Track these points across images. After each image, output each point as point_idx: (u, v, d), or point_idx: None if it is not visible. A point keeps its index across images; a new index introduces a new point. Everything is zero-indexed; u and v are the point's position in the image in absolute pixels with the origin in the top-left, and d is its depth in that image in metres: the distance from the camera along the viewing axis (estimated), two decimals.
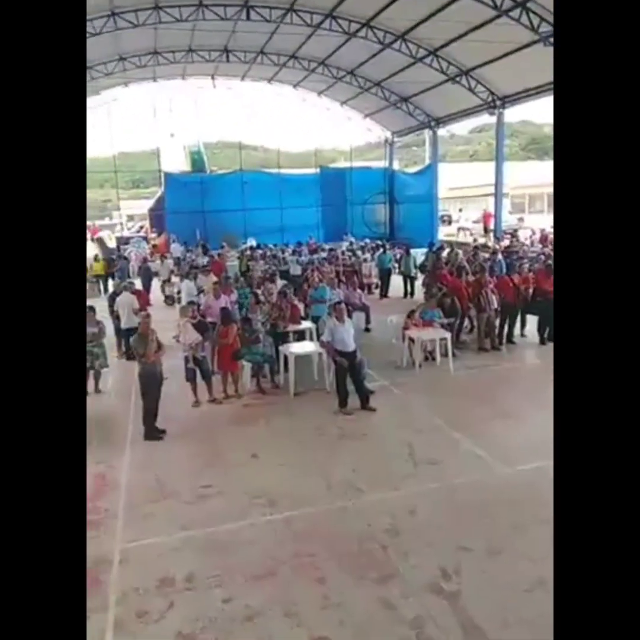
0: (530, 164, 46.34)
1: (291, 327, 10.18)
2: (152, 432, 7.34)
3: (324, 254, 20.16)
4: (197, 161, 31.20)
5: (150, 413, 7.37)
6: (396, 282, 17.67)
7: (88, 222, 37.01)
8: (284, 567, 4.61)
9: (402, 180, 31.03)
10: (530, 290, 11.33)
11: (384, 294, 17.33)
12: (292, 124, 32.45)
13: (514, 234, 24.33)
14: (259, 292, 11.71)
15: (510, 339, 11.31)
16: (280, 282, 13.32)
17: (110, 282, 17.88)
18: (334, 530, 5.12)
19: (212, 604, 4.21)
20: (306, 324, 10.57)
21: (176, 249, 23.76)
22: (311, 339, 10.11)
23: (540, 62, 15.27)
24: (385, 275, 17.57)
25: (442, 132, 29.94)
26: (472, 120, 31.65)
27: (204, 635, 3.92)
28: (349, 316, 9.05)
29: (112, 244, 26.66)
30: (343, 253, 20.10)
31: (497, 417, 7.58)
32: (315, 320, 10.49)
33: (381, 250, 19.65)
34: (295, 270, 17.55)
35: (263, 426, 7.74)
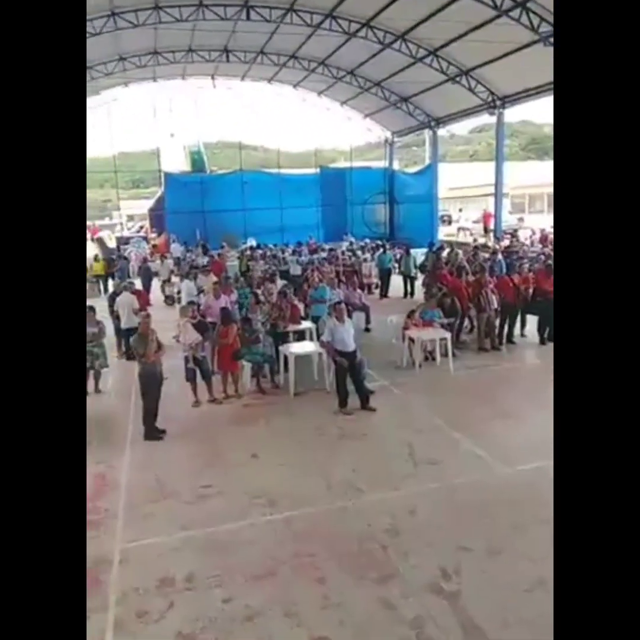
0: (530, 164, 46.35)
1: (291, 327, 10.18)
2: (152, 432, 7.34)
3: (324, 254, 20.16)
4: (197, 161, 31.20)
5: (150, 413, 7.37)
6: (396, 282, 17.67)
7: (88, 222, 37.03)
8: (284, 567, 4.61)
9: (402, 180, 31.03)
10: (530, 290, 11.33)
11: (384, 294, 17.33)
12: (292, 124, 32.49)
13: (514, 234, 24.34)
14: (259, 292, 11.71)
15: (510, 339, 11.31)
16: (280, 282, 13.33)
17: (110, 282, 17.88)
18: (334, 530, 5.13)
19: (212, 604, 4.21)
20: (306, 324, 10.57)
21: (176, 249, 23.77)
22: (311, 339, 10.11)
23: (540, 62, 15.27)
24: (385, 275, 17.57)
25: (442, 132, 29.93)
26: (472, 120, 31.65)
27: (204, 635, 3.92)
28: (349, 316, 9.05)
29: (112, 244, 26.67)
30: (343, 253, 20.11)
31: (497, 417, 7.58)
32: (315, 320, 10.49)
33: (381, 250, 19.65)
34: (295, 270, 17.55)
35: (263, 426, 7.74)
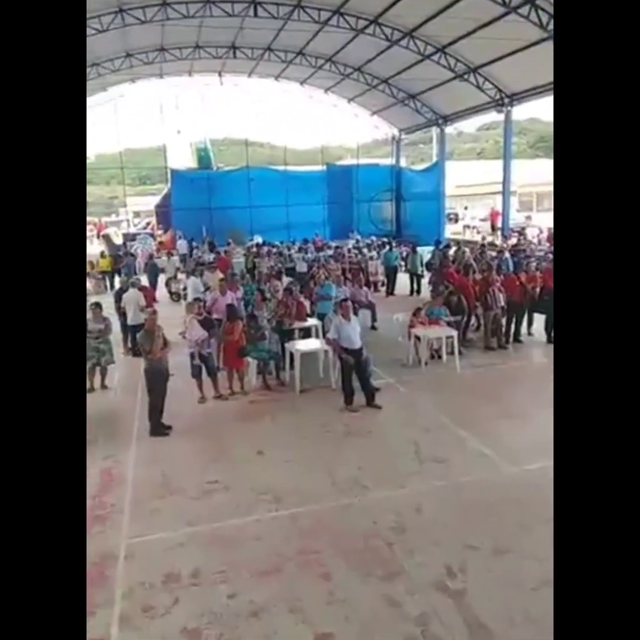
0: (538, 162, 46.07)
1: (297, 324, 10.18)
2: (158, 428, 7.36)
3: (330, 252, 20.15)
4: (203, 158, 31.19)
5: (156, 409, 7.39)
6: (402, 280, 17.65)
7: (95, 219, 37.23)
8: (289, 563, 4.61)
9: (409, 177, 30.98)
10: (538, 289, 11.28)
11: (390, 291, 17.31)
12: (299, 121, 32.39)
13: (521, 232, 24.23)
14: (265, 289, 11.71)
15: (517, 338, 11.27)
16: (286, 279, 13.33)
17: (117, 279, 17.93)
18: (339, 527, 5.12)
19: (217, 600, 4.22)
20: (312, 321, 10.57)
21: (182, 245, 23.81)
22: (317, 336, 10.11)
23: (549, 60, 14.86)
24: (391, 273, 17.54)
25: (449, 129, 29.85)
26: (480, 118, 31.41)
27: (209, 631, 3.93)
28: (355, 314, 9.04)
29: (118, 240, 26.71)
30: (349, 250, 20.08)
31: (503, 416, 7.56)
32: (321, 317, 10.48)
33: (387, 247, 19.62)
34: (302, 267, 17.55)
35: (269, 423, 7.75)
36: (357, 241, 24.23)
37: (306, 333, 10.38)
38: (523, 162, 40.92)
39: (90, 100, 25.79)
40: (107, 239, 26.10)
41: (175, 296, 17.09)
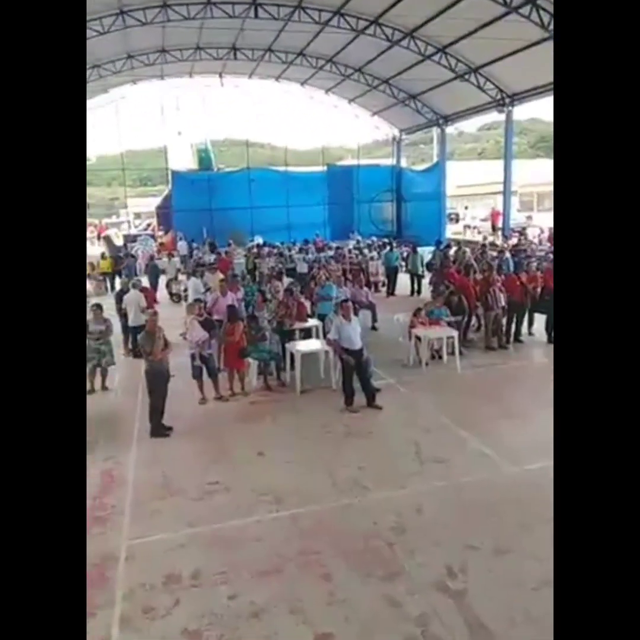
0: (539, 162, 46.03)
1: (298, 325, 10.18)
2: (159, 429, 7.36)
3: (330, 252, 20.17)
4: (204, 159, 31.21)
5: (157, 410, 7.39)
6: (403, 280, 17.64)
7: (95, 220, 37.26)
8: (289, 564, 4.61)
9: (409, 178, 30.97)
10: (539, 289, 11.27)
11: (390, 292, 17.31)
12: (300, 121, 32.40)
13: (522, 232, 24.22)
14: (266, 289, 11.72)
15: (517, 338, 11.26)
16: (286, 280, 13.33)
17: (117, 280, 17.94)
18: (340, 527, 5.12)
19: (218, 601, 4.22)
20: (313, 322, 10.57)
21: (182, 246, 23.83)
22: (317, 337, 10.11)
23: (550, 60, 14.96)
24: (392, 274, 17.55)
25: (450, 129, 29.85)
26: (481, 118, 31.41)
27: (209, 632, 3.93)
28: (356, 314, 9.04)
29: (119, 241, 26.75)
30: (350, 251, 20.10)
31: (504, 416, 7.56)
32: (322, 318, 10.48)
33: (388, 248, 19.62)
34: (302, 268, 17.56)
35: (269, 423, 7.75)
36: (358, 242, 24.23)
37: (307, 334, 10.38)
38: (524, 162, 40.91)
39: (91, 102, 25.84)
40: (107, 240, 26.14)
41: (176, 297, 17.10)
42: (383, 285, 17.77)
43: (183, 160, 31.72)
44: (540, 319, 11.46)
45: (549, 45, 16.02)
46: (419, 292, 16.79)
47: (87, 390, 8.93)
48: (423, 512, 5.34)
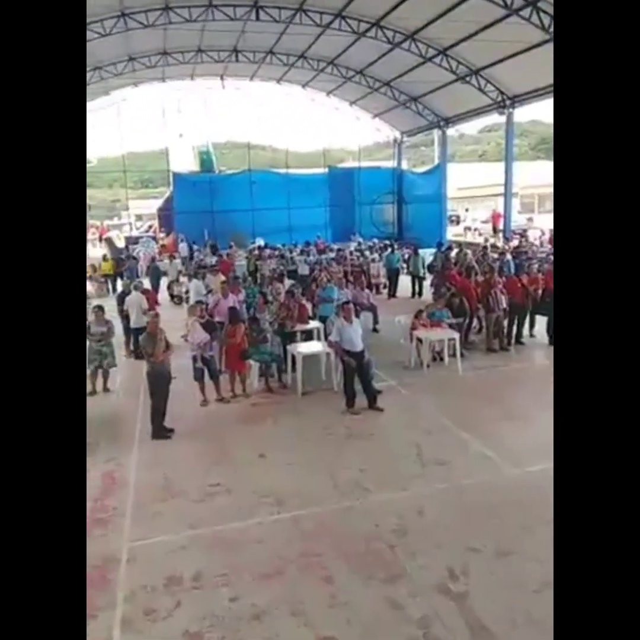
0: (539, 164, 46.03)
1: (299, 327, 10.18)
2: (160, 431, 7.36)
3: (332, 254, 20.17)
4: (205, 161, 31.27)
5: (158, 412, 7.39)
6: (404, 282, 17.65)
7: (97, 222, 37.31)
8: (291, 566, 4.61)
9: (410, 180, 30.98)
10: (540, 291, 11.27)
11: (392, 294, 17.31)
12: (301, 123, 32.53)
13: (523, 234, 24.23)
14: (267, 291, 11.72)
15: (519, 340, 11.26)
16: (288, 282, 13.34)
17: (119, 282, 17.95)
18: (341, 529, 5.12)
19: (219, 603, 4.22)
20: (314, 324, 10.57)
21: (183, 248, 23.86)
22: (319, 339, 10.11)
23: (550, 62, 15.02)
24: (393, 276, 17.55)
25: (451, 131, 29.85)
26: (482, 120, 31.48)
27: (210, 634, 3.93)
28: (357, 316, 9.03)
29: (120, 243, 26.78)
30: (351, 253, 20.11)
31: (505, 418, 7.55)
32: (323, 320, 10.49)
33: (389, 250, 19.64)
34: (303, 270, 17.57)
35: (271, 425, 7.75)
36: (359, 244, 24.25)
37: (308, 335, 10.38)
38: (525, 164, 40.91)
39: (92, 104, 25.88)
40: (109, 242, 26.18)
41: (177, 299, 17.12)
42: (384, 287, 17.77)
43: (184, 163, 31.80)
44: (541, 321, 11.46)
45: (550, 47, 16.02)
46: (420, 294, 16.79)
47: (89, 392, 8.94)
48: (424, 514, 5.33)
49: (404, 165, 32.66)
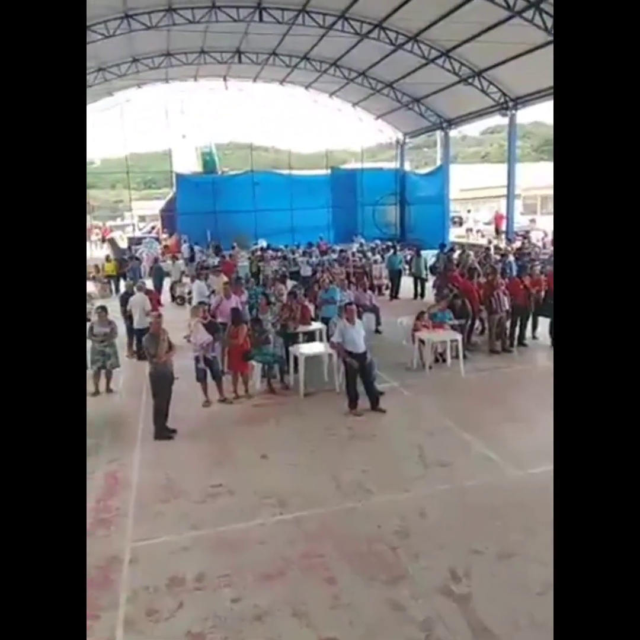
0: (542, 165, 45.92)
1: (301, 328, 10.18)
2: (163, 432, 7.37)
3: (334, 255, 20.16)
4: (208, 162, 31.32)
5: (161, 412, 7.40)
6: (407, 283, 17.64)
7: (100, 223, 37.37)
8: (293, 567, 4.61)
9: (413, 181, 31.00)
10: (542, 293, 11.26)
11: (394, 295, 17.32)
12: (304, 125, 32.56)
13: (525, 236, 24.21)
14: (270, 292, 11.73)
15: (521, 341, 11.26)
16: (290, 283, 13.34)
17: (122, 283, 17.98)
18: (343, 531, 5.12)
19: (221, 604, 4.22)
20: (316, 325, 10.57)
21: (185, 250, 23.88)
22: (321, 340, 10.11)
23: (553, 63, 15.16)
24: (395, 277, 17.55)
25: (453, 133, 29.87)
26: (484, 122, 31.55)
27: (213, 635, 3.93)
28: (359, 317, 9.04)
29: (123, 244, 26.83)
30: (353, 254, 20.10)
31: (508, 420, 7.55)
32: (326, 321, 10.49)
33: (391, 251, 19.62)
34: (306, 271, 17.57)
35: (273, 426, 7.75)
36: (362, 245, 24.24)
37: (310, 337, 10.38)
38: (527, 165, 40.85)
39: (96, 105, 25.97)
40: (112, 243, 26.22)
41: (180, 300, 17.15)
42: (386, 288, 17.77)
43: (187, 163, 31.85)
44: (543, 323, 11.44)
45: (552, 49, 16.03)
46: (422, 295, 16.78)
47: (92, 392, 8.97)
48: (427, 515, 5.33)
49: (407, 167, 32.68)
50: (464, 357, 9.87)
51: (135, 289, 11.44)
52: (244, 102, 29.47)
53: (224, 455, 6.84)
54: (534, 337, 11.62)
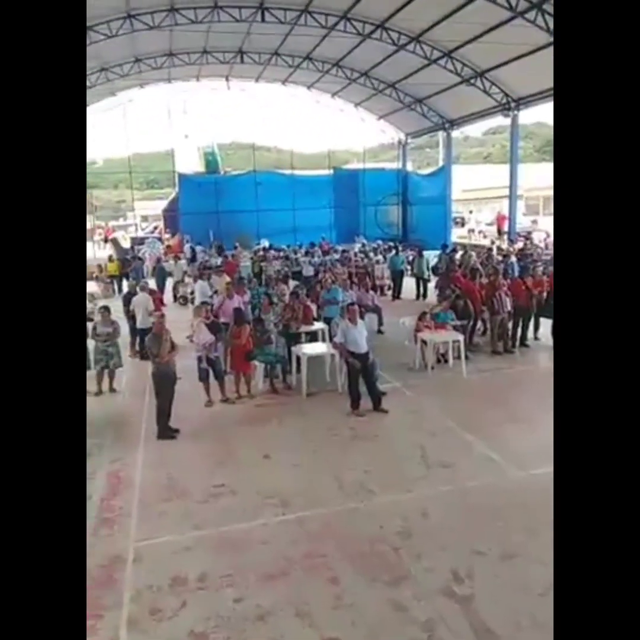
0: (544, 166, 45.83)
1: (304, 328, 10.19)
2: (166, 431, 7.39)
3: (336, 255, 20.17)
4: (211, 162, 31.35)
5: (163, 412, 7.42)
6: (409, 284, 17.64)
7: (102, 223, 37.43)
8: (296, 567, 4.62)
9: (415, 181, 31.00)
10: (545, 294, 11.26)
11: (396, 295, 17.32)
12: (306, 125, 32.56)
13: (528, 237, 24.19)
14: (272, 292, 11.74)
15: (523, 342, 11.26)
16: (292, 283, 13.36)
17: (125, 283, 18.01)
18: (346, 531, 5.13)
19: (224, 603, 4.24)
20: (318, 325, 10.59)
21: (187, 249, 23.91)
22: (323, 340, 10.12)
23: None
24: (397, 277, 17.55)
25: (456, 133, 29.87)
26: (487, 122, 31.54)
27: (216, 634, 3.94)
28: (362, 318, 9.04)
29: (126, 244, 26.87)
30: (355, 254, 20.11)
31: (510, 420, 7.55)
32: (328, 321, 10.50)
33: (394, 251, 19.62)
34: (308, 271, 17.58)
35: (275, 426, 7.76)
36: (364, 245, 24.23)
37: (313, 337, 10.39)
38: (529, 166, 40.77)
39: (99, 105, 26.03)
40: (115, 243, 26.26)
41: (182, 300, 17.17)
42: (389, 288, 17.78)
43: (190, 163, 31.89)
44: (546, 324, 11.42)
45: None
46: (424, 295, 16.77)
47: (95, 392, 9.00)
48: (429, 516, 5.34)
49: (409, 167, 32.68)
50: (466, 357, 9.87)
51: (138, 288, 11.47)
52: (247, 102, 29.50)
53: (226, 455, 6.85)
54: (536, 338, 11.61)
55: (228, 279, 13.01)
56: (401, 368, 9.90)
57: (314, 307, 11.24)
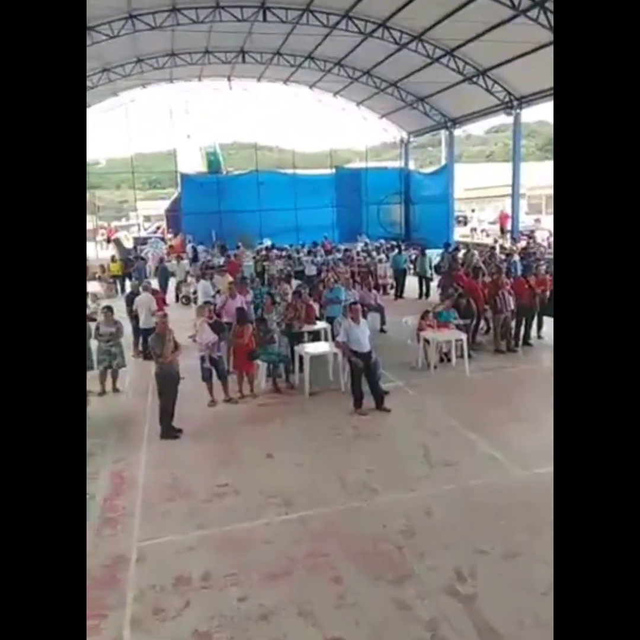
0: (547, 165, 45.70)
1: (306, 328, 10.20)
2: (169, 431, 7.40)
3: (339, 255, 20.17)
4: (213, 162, 31.33)
5: (166, 412, 7.43)
6: (411, 283, 17.63)
7: (105, 223, 37.49)
8: (299, 567, 4.63)
9: (417, 180, 30.94)
10: (547, 292, 11.24)
11: (399, 294, 17.31)
12: (308, 124, 32.52)
13: (530, 235, 24.13)
14: (275, 292, 11.74)
15: (526, 341, 11.24)
16: (295, 283, 13.36)
17: (128, 283, 18.02)
18: (349, 530, 5.14)
19: (227, 603, 4.25)
20: (321, 325, 10.59)
21: (189, 249, 23.92)
22: (326, 339, 10.13)
23: None
24: (400, 276, 17.54)
25: (458, 132, 29.78)
26: (489, 121, 31.43)
27: (219, 634, 3.95)
28: (364, 317, 9.05)
29: (129, 244, 26.89)
30: (358, 253, 20.10)
31: (513, 419, 7.54)
32: (331, 320, 10.51)
33: (396, 250, 19.60)
34: (311, 270, 17.58)
35: (278, 426, 7.77)
36: (366, 244, 24.21)
37: (315, 336, 10.39)
38: (532, 164, 40.67)
39: (101, 105, 26.06)
40: (117, 243, 26.29)
41: (185, 299, 17.18)
42: (391, 287, 17.77)
43: (192, 163, 31.90)
44: (548, 322, 11.42)
45: None
46: (427, 294, 16.77)
47: (98, 392, 9.02)
48: (432, 515, 5.34)
49: (411, 166, 32.60)
50: (469, 356, 9.87)
51: (141, 288, 11.48)
52: (248, 101, 29.48)
53: (229, 454, 6.86)
54: (539, 337, 11.59)
55: (231, 278, 13.04)
56: (404, 367, 9.90)
57: (316, 306, 11.25)
